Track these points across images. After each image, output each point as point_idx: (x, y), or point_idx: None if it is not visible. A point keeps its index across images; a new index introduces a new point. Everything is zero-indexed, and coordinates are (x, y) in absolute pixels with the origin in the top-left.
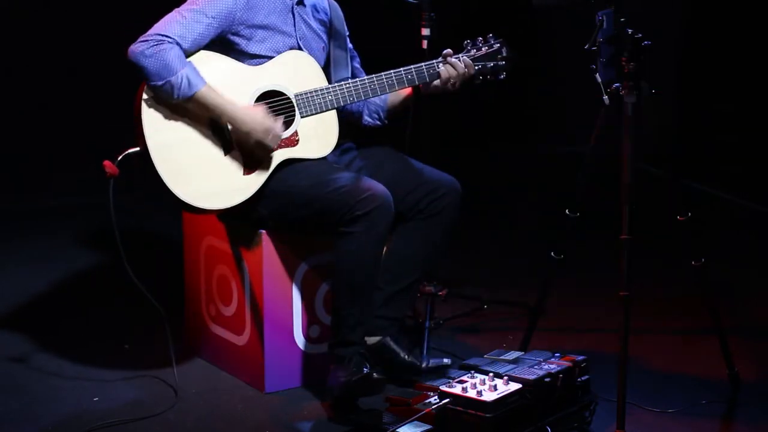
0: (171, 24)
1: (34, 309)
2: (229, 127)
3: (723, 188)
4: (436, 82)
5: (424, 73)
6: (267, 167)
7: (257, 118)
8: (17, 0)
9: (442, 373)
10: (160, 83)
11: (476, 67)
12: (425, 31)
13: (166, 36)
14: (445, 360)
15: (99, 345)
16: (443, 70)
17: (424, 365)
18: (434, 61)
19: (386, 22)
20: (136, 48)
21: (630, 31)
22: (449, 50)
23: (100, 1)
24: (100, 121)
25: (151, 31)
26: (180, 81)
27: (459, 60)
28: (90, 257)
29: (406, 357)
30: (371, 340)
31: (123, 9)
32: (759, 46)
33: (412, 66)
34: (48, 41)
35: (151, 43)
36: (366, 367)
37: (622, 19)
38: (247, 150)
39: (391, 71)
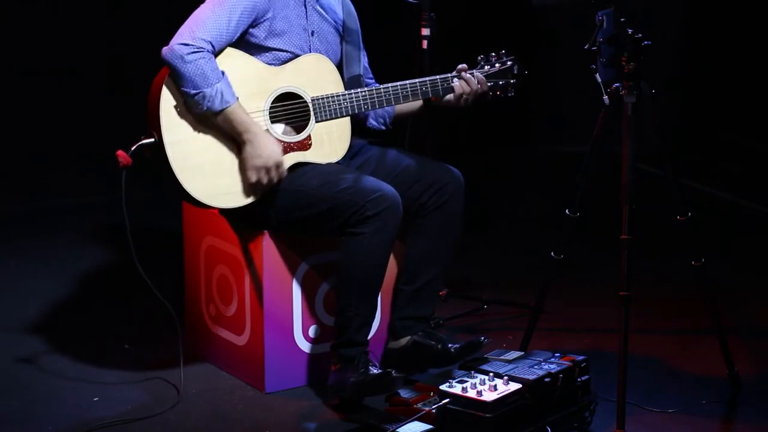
0: (205, 23)
1: (35, 309)
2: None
3: (723, 188)
4: (449, 96)
5: (438, 86)
6: None
7: (274, 151)
8: (18, 0)
9: (475, 350)
10: (192, 92)
11: (488, 84)
12: (425, 31)
13: (206, 41)
14: (483, 338)
15: (99, 345)
16: (457, 85)
17: (452, 350)
18: (449, 75)
19: (386, 22)
20: (176, 51)
21: (630, 31)
22: (464, 65)
23: (100, 2)
24: (100, 121)
25: (187, 32)
26: (213, 94)
27: (473, 76)
28: (90, 257)
29: (440, 347)
30: (400, 342)
31: (123, 10)
32: (760, 45)
33: (427, 78)
34: (48, 41)
35: (192, 49)
36: (375, 367)
37: (622, 19)
38: (245, 169)
39: (407, 82)
